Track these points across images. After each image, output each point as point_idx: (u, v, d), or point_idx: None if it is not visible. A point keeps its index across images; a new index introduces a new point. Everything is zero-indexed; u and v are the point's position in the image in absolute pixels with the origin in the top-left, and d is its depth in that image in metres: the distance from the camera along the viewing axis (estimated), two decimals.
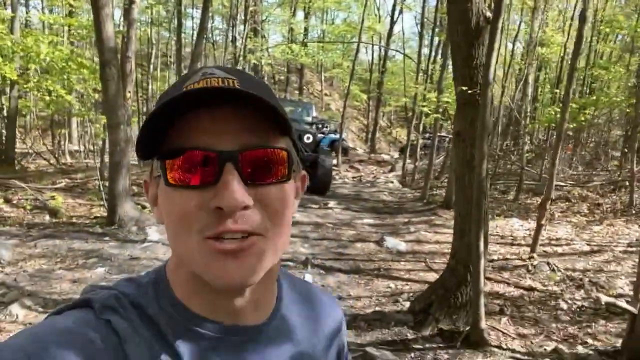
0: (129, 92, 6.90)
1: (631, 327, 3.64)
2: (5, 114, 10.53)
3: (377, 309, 4.52)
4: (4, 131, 10.53)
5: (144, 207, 7.47)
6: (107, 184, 7.10)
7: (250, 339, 0.57)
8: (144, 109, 14.55)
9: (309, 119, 11.61)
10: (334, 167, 11.48)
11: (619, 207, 8.62)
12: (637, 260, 4.40)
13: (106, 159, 7.67)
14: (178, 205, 0.50)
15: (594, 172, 11.97)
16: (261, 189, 0.51)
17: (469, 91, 3.57)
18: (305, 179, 0.62)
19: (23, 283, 4.63)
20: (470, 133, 3.68)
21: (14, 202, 7.47)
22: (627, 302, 3.80)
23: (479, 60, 3.58)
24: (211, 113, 0.50)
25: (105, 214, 6.95)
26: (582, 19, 5.13)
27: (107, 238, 6.19)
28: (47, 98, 9.75)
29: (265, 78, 26.32)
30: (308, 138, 10.13)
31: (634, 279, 4.26)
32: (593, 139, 15.28)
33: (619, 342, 3.79)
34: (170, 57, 18.65)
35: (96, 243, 5.97)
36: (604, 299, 3.70)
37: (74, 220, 7.00)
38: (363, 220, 8.38)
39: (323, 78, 27.69)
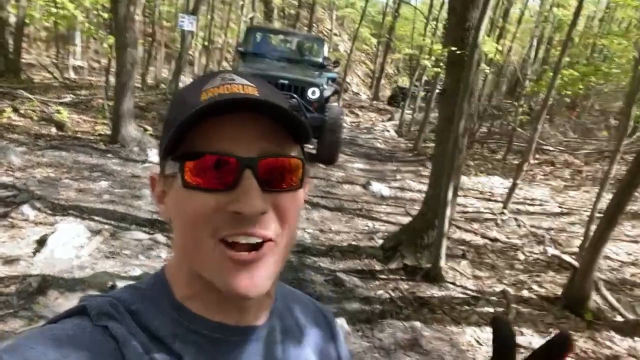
0: (138, 14, 6.98)
1: (572, 278, 4.13)
2: (12, 24, 10.53)
3: (353, 243, 5.01)
4: (10, 41, 10.56)
5: (145, 130, 7.80)
6: (111, 103, 7.37)
7: (251, 339, 0.58)
8: (149, 30, 14.38)
9: (320, 60, 8.77)
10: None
11: (599, 176, 8.99)
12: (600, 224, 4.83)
13: (111, 78, 7.86)
14: (193, 206, 0.51)
15: (586, 140, 12.26)
16: (275, 195, 0.53)
17: (458, 52, 3.81)
18: (308, 184, 0.63)
19: (33, 187, 5.01)
20: (455, 91, 3.97)
21: (22, 111, 7.75)
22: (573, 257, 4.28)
23: (471, 23, 3.79)
24: (232, 119, 0.51)
25: (109, 132, 7.29)
26: None
27: (110, 155, 6.56)
28: (54, 10, 9.74)
29: (275, 11, 25.70)
30: (314, 93, 7.61)
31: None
32: (597, 108, 15.42)
33: (560, 291, 4.31)
34: None
35: (100, 159, 6.35)
36: (551, 251, 4.15)
37: (79, 135, 7.33)
38: (354, 165, 8.77)
39: (334, 17, 27.01)
